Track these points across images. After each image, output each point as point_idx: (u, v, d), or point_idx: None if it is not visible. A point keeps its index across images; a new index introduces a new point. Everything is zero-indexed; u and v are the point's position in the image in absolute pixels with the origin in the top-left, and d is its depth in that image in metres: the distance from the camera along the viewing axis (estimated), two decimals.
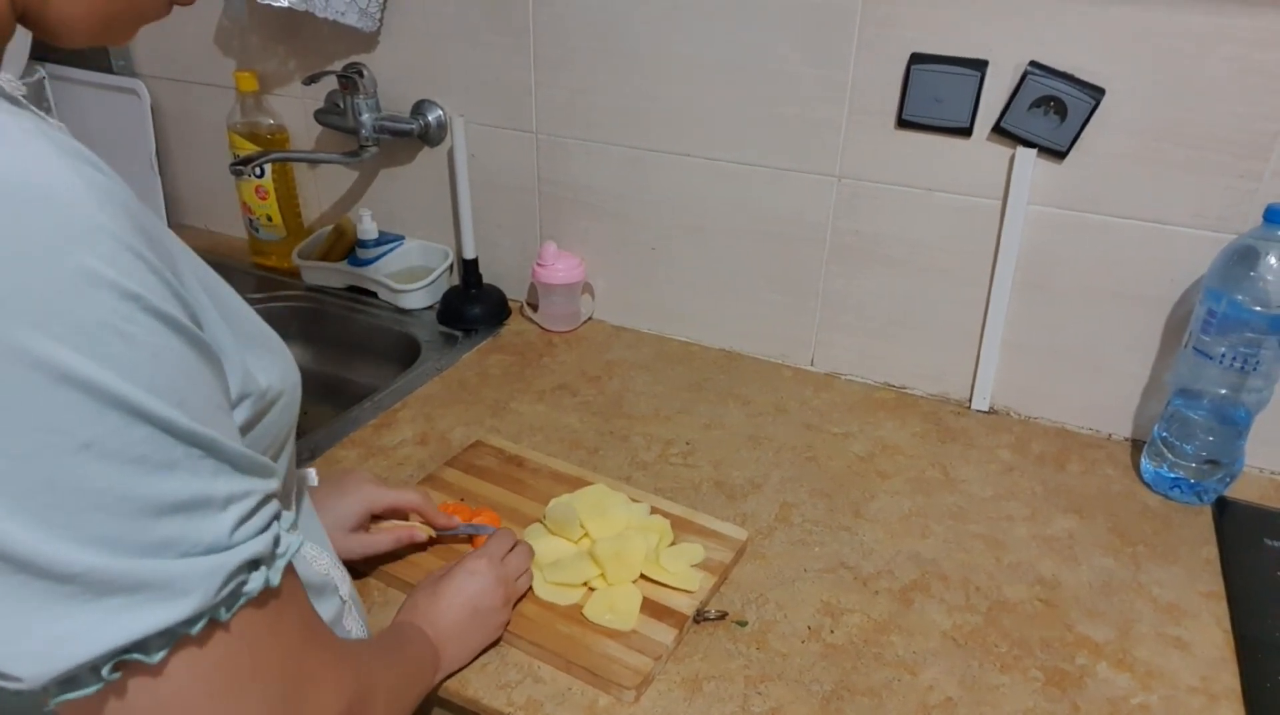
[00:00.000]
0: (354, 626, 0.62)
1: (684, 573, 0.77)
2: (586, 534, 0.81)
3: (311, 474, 0.78)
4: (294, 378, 0.52)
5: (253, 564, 0.41)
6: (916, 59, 0.93)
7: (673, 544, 0.81)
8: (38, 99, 1.45)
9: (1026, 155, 0.92)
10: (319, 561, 0.59)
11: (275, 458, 0.51)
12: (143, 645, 0.37)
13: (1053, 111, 0.90)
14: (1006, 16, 0.89)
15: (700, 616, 0.75)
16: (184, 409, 0.38)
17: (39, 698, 0.38)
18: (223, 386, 0.43)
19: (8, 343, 0.33)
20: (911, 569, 0.82)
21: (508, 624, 0.72)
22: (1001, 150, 0.94)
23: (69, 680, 0.37)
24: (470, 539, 0.82)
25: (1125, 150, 0.89)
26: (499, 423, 1.02)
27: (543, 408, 1.05)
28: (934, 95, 0.94)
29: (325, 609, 0.58)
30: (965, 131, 0.94)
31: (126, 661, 0.37)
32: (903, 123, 0.97)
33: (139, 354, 0.36)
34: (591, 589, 0.76)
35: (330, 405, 1.26)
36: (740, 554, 0.82)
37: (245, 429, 0.46)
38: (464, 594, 0.69)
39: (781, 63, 1.00)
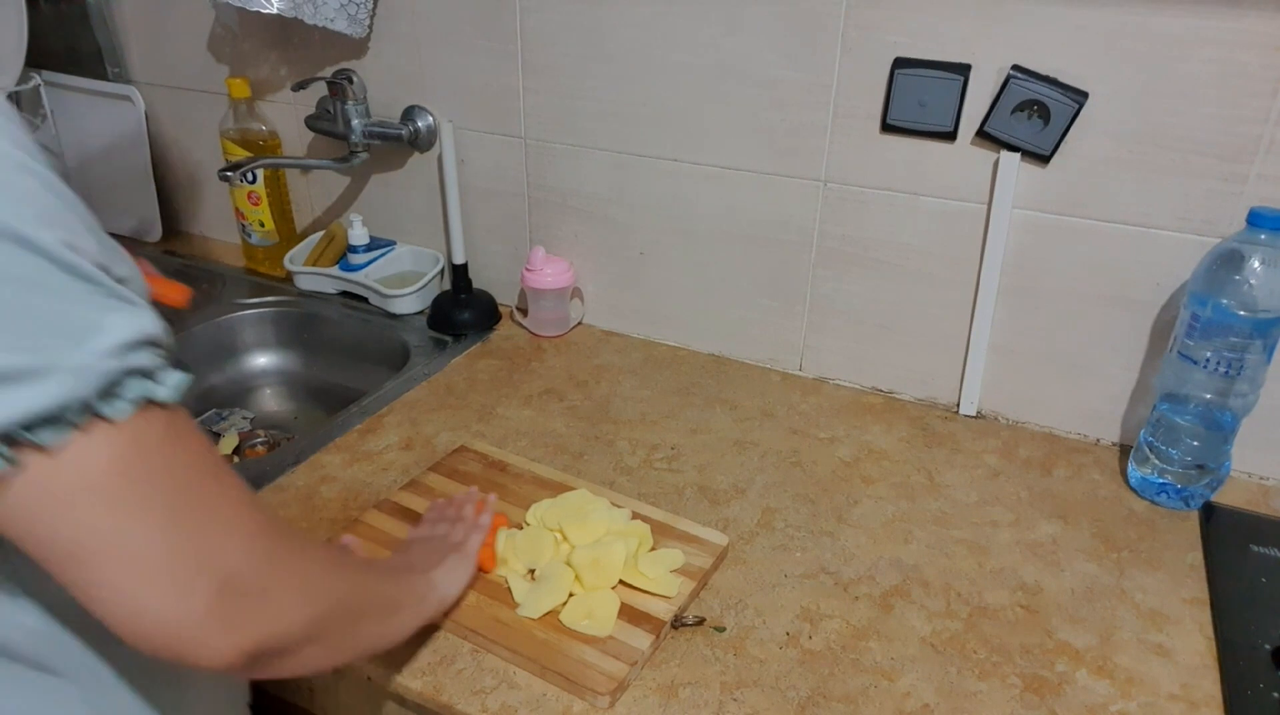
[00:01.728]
0: None
1: (663, 578, 0.77)
2: (565, 539, 0.81)
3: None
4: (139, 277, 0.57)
5: (141, 373, 0.45)
6: (900, 63, 0.93)
7: (652, 549, 0.81)
8: (33, 106, 1.46)
9: (1010, 159, 0.92)
10: None
11: None
12: (29, 426, 0.41)
13: (1036, 115, 0.90)
14: (989, 20, 0.89)
15: (678, 622, 0.75)
16: (71, 249, 0.43)
17: None
18: (107, 258, 0.46)
19: None
20: (893, 574, 0.82)
21: (475, 555, 0.76)
22: (986, 154, 0.94)
23: None
24: None
25: (1109, 154, 0.89)
26: (485, 428, 1.03)
27: (529, 413, 1.05)
28: (918, 99, 0.94)
29: None
30: (949, 135, 0.94)
31: (21, 441, 0.41)
32: (887, 127, 0.96)
33: (30, 198, 0.42)
34: (570, 594, 0.76)
35: (322, 410, 1.27)
36: (720, 559, 0.82)
37: None
38: (434, 537, 0.76)
39: (766, 67, 1.00)
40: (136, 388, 0.45)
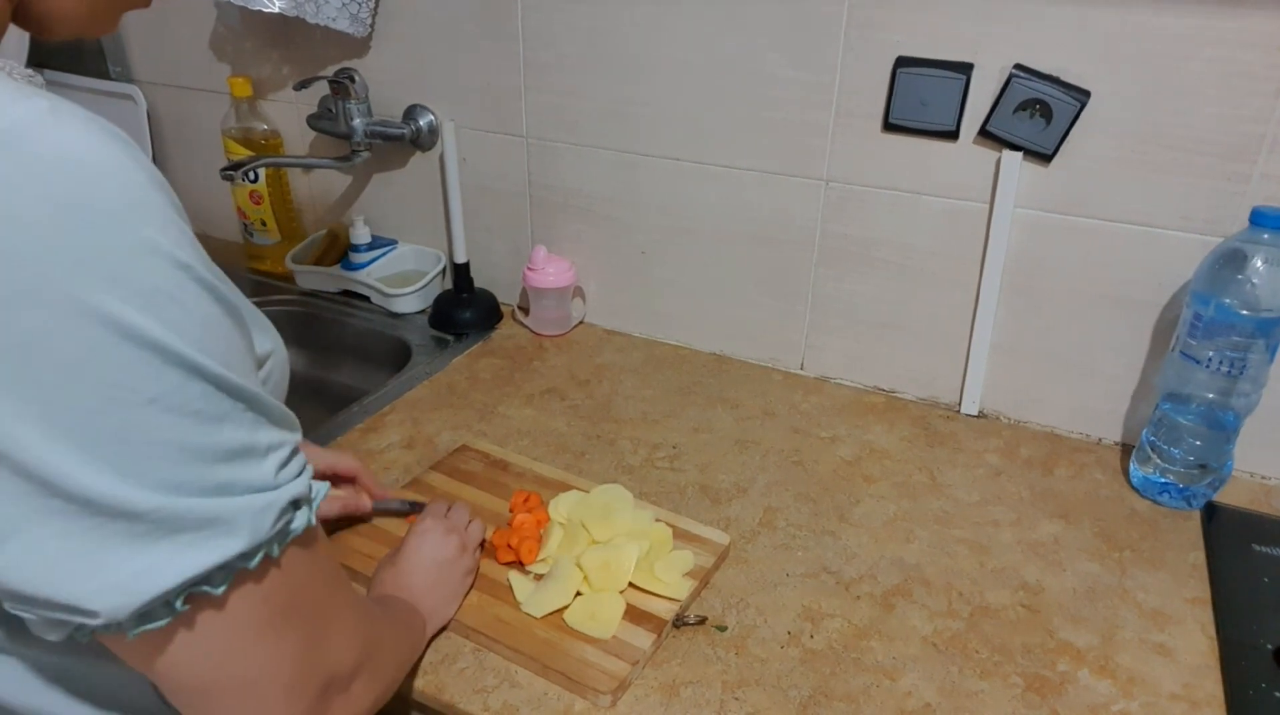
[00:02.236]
0: None
1: (676, 582, 0.77)
2: (587, 531, 0.81)
3: None
4: (283, 354, 0.57)
5: (294, 504, 0.45)
6: (902, 62, 0.93)
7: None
8: None
9: (1013, 158, 0.92)
10: None
11: None
12: (209, 578, 0.41)
13: (1038, 114, 0.90)
14: (991, 20, 0.89)
15: (680, 621, 0.75)
16: (229, 368, 0.41)
17: (111, 634, 0.41)
18: (250, 350, 0.46)
19: (83, 301, 0.36)
20: (894, 574, 0.82)
21: (475, 570, 0.76)
22: (988, 153, 0.94)
23: (145, 614, 0.40)
24: (407, 516, 0.84)
25: (1111, 153, 0.89)
26: (486, 427, 1.03)
27: (531, 412, 1.05)
28: (920, 98, 0.94)
29: None
30: (951, 134, 0.94)
31: (195, 594, 0.41)
32: (889, 126, 0.96)
33: (191, 318, 0.40)
34: (578, 593, 0.76)
35: (323, 409, 1.26)
36: (722, 558, 0.82)
37: None
38: (421, 552, 0.73)
39: (768, 66, 1.00)
40: (299, 520, 0.45)
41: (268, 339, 0.53)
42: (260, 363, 0.52)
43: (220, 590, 0.41)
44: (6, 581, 0.38)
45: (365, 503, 0.84)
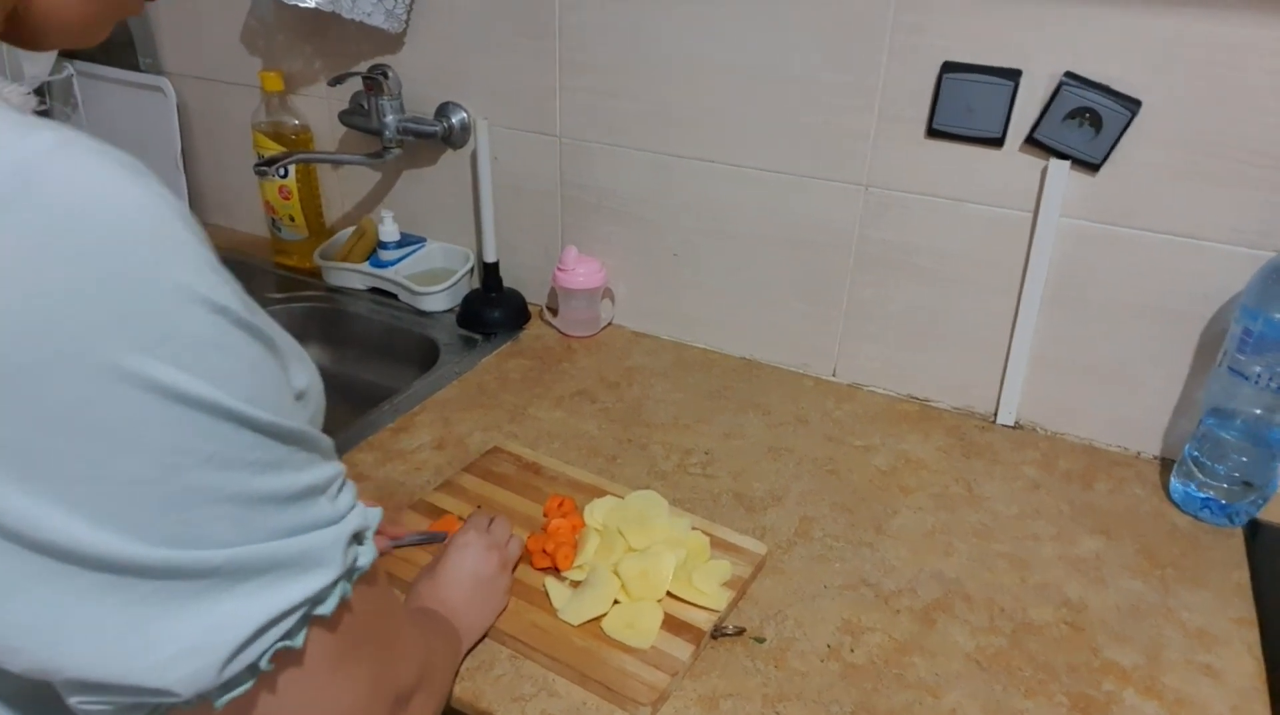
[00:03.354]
0: None
1: (715, 593, 0.76)
2: (624, 538, 0.80)
3: None
4: (319, 387, 0.53)
5: (356, 537, 0.43)
6: (948, 68, 0.92)
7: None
8: (65, 96, 1.46)
9: (1060, 167, 0.91)
10: None
11: None
12: (289, 632, 0.39)
13: (1088, 123, 0.88)
14: (1041, 26, 0.87)
15: (718, 632, 0.74)
16: (278, 413, 0.39)
17: (196, 708, 0.38)
18: (288, 381, 0.44)
19: (119, 367, 0.33)
20: (934, 588, 0.81)
21: (510, 589, 0.75)
22: (1034, 161, 0.92)
23: (229, 682, 0.38)
24: (426, 546, 0.82)
25: (1161, 163, 0.87)
26: (517, 428, 1.02)
27: (561, 414, 1.05)
28: (966, 105, 0.92)
29: None
30: (997, 142, 0.93)
31: (279, 651, 0.39)
32: (933, 132, 0.95)
33: (237, 366, 0.37)
34: (615, 601, 0.75)
35: (349, 407, 1.26)
36: (759, 568, 0.81)
37: None
38: (462, 568, 0.72)
39: (810, 69, 0.98)
40: (365, 556, 0.44)
41: (304, 372, 0.51)
42: (298, 396, 0.49)
43: (299, 640, 0.40)
44: (76, 672, 0.36)
45: (382, 544, 0.81)
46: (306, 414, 0.48)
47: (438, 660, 0.56)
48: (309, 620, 0.40)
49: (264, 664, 0.38)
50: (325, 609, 0.40)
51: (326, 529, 0.41)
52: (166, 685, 0.36)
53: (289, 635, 0.39)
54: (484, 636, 0.73)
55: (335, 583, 0.41)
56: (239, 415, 0.37)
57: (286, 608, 0.39)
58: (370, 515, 0.46)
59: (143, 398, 0.34)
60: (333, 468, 0.43)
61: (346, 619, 0.43)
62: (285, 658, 0.40)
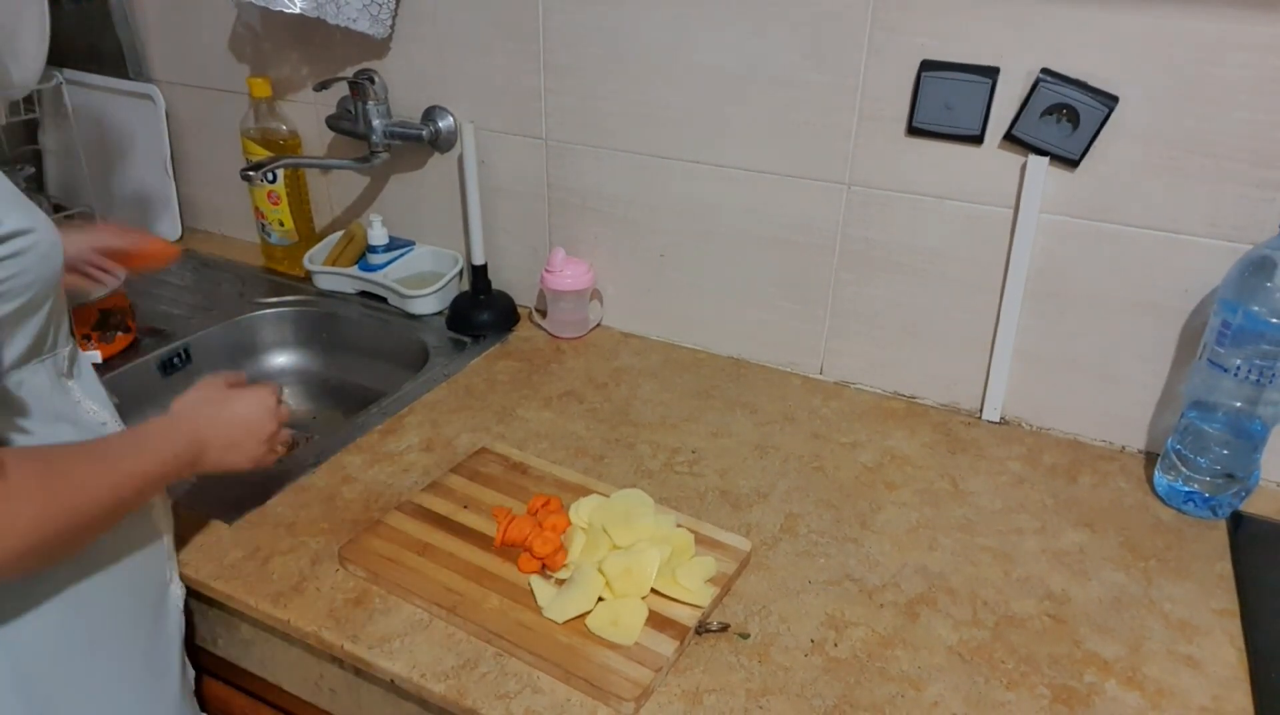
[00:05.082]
0: None
1: (699, 589, 0.77)
2: (608, 536, 0.81)
3: (94, 354, 1.00)
4: (49, 236, 0.61)
5: None
6: (927, 66, 0.92)
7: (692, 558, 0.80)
8: (55, 104, 1.46)
9: (1038, 163, 0.91)
10: (97, 413, 0.71)
11: (31, 306, 0.62)
12: None
13: (1065, 119, 0.89)
14: (1018, 24, 0.88)
15: (702, 628, 0.74)
16: None
17: None
18: None
19: None
20: (918, 582, 0.81)
21: (258, 459, 0.77)
22: (1013, 158, 0.93)
23: None
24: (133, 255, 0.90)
25: (1139, 159, 0.88)
26: (505, 429, 1.02)
27: (549, 415, 1.05)
28: (945, 103, 0.93)
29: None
30: (976, 139, 0.93)
31: None
32: (913, 130, 0.96)
33: None
34: (600, 599, 0.76)
35: (340, 410, 1.27)
36: (744, 565, 0.82)
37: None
38: (247, 414, 0.76)
39: (791, 69, 0.99)
40: None
41: (25, 217, 0.57)
42: (8, 237, 0.56)
43: None
44: None
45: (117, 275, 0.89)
46: (11, 261, 0.57)
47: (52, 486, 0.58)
48: None
49: None
50: None
51: None
52: None
53: None
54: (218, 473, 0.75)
55: None
56: None
57: None
58: None
59: None
60: None
61: None
62: None
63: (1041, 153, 0.91)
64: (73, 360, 0.70)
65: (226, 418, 0.75)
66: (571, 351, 1.19)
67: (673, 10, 1.02)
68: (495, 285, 1.26)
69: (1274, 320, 0.81)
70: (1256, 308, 0.82)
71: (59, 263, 0.63)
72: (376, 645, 0.73)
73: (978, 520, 0.89)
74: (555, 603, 0.75)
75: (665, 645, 0.72)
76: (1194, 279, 0.90)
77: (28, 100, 1.42)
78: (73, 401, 0.69)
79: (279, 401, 0.81)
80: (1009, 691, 0.70)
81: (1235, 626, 0.77)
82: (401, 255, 1.31)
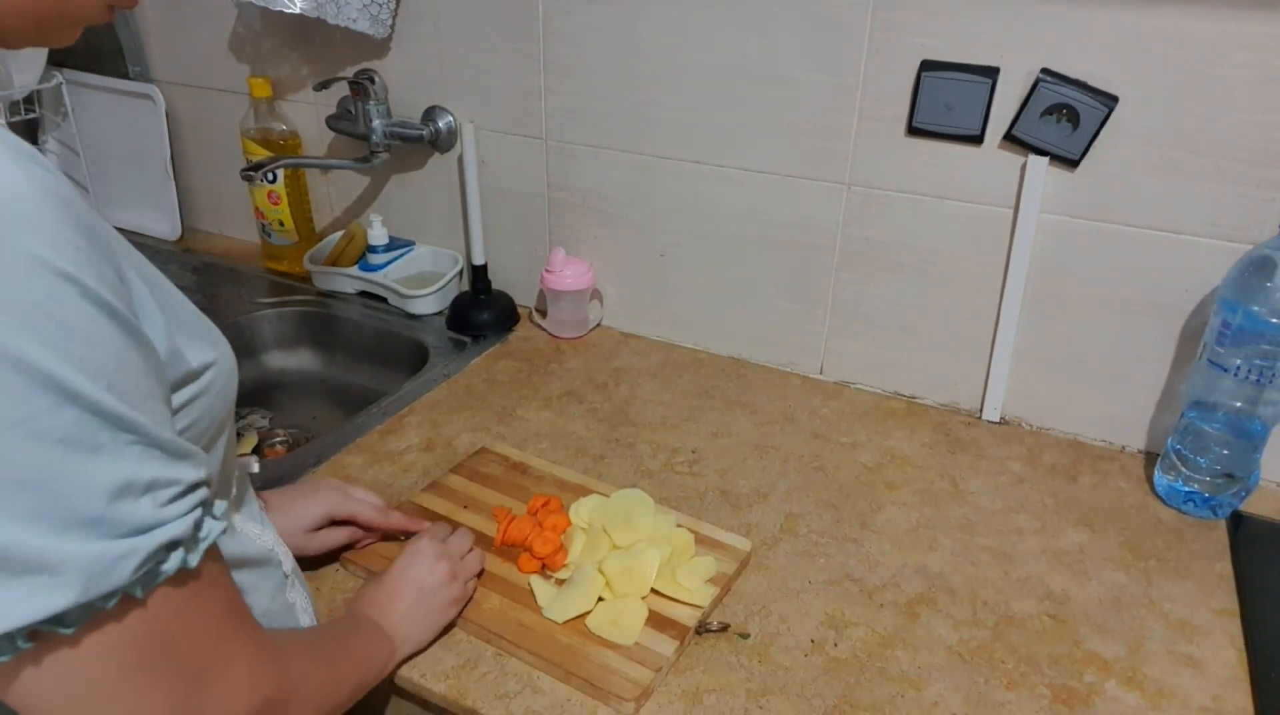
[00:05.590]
0: (297, 598, 0.65)
1: (699, 589, 0.77)
2: (608, 536, 0.81)
3: (252, 461, 0.85)
4: (228, 364, 0.54)
5: (172, 545, 0.42)
6: (927, 66, 0.92)
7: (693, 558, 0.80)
8: (55, 104, 1.46)
9: (1038, 163, 0.91)
10: (261, 538, 0.61)
11: (212, 441, 0.53)
12: (59, 618, 0.38)
13: (1065, 119, 0.89)
14: (1018, 24, 0.88)
15: (702, 628, 0.74)
16: (113, 392, 0.39)
17: None
18: (156, 374, 0.44)
19: None
20: (918, 582, 0.81)
21: (463, 600, 0.74)
22: (1013, 158, 0.93)
23: None
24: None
25: (1139, 158, 0.88)
26: (505, 429, 1.02)
27: (549, 415, 1.05)
28: (944, 103, 0.93)
29: (268, 579, 0.61)
30: (976, 139, 0.93)
31: (41, 632, 0.39)
32: (913, 130, 0.96)
33: (72, 336, 0.38)
34: (600, 599, 0.76)
35: (339, 410, 1.27)
36: (744, 565, 0.82)
37: (179, 409, 0.48)
38: (407, 576, 0.71)
39: (791, 69, 0.99)
40: (174, 562, 0.42)
41: (209, 348, 0.51)
42: (196, 375, 0.49)
43: (71, 630, 0.39)
44: None
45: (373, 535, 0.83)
46: (206, 392, 0.49)
47: (309, 685, 0.53)
48: (91, 613, 0.39)
49: (21, 642, 0.38)
50: (106, 604, 0.40)
51: (127, 539, 0.40)
52: None
53: (58, 622, 0.39)
54: (429, 646, 0.72)
55: (119, 591, 0.40)
56: (60, 384, 0.37)
57: (57, 610, 0.38)
58: (210, 528, 0.44)
59: None
60: (174, 470, 0.42)
61: (143, 624, 0.41)
62: (53, 641, 0.39)
63: (1041, 153, 0.91)
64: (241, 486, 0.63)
65: (390, 591, 0.70)
66: (571, 351, 1.19)
67: (673, 10, 1.02)
68: (495, 285, 1.26)
69: (1274, 320, 0.81)
70: (1256, 308, 0.82)
71: (234, 392, 0.57)
72: None
73: (978, 520, 0.89)
74: (555, 603, 0.75)
75: (665, 645, 0.72)
76: (1194, 279, 0.90)
77: (28, 100, 1.42)
78: (241, 535, 0.60)
79: (444, 539, 0.76)
80: (1009, 691, 0.70)
81: (1235, 626, 0.77)
82: (401, 255, 1.31)
